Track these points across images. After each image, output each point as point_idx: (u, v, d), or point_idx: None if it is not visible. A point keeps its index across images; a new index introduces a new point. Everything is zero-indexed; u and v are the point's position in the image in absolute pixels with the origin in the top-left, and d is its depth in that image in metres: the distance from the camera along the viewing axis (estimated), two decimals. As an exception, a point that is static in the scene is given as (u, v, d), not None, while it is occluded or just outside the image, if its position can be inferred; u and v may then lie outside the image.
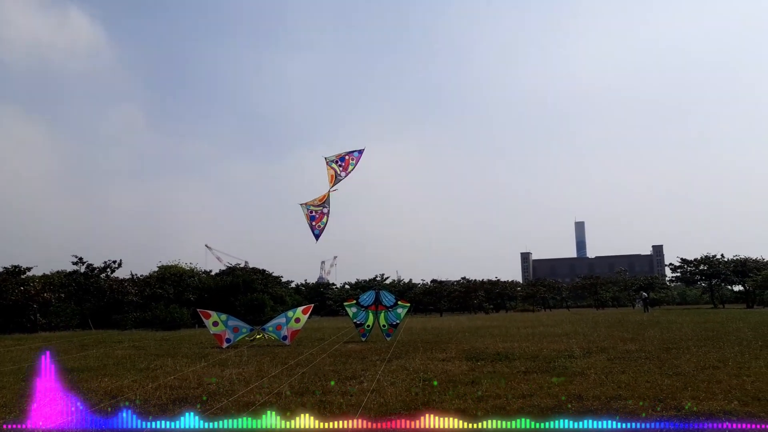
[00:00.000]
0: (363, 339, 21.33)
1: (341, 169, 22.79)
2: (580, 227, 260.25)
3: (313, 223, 22.29)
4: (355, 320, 21.97)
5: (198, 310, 22.23)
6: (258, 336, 21.07)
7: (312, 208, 22.67)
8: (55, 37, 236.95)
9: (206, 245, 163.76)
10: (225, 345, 20.06)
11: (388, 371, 12.27)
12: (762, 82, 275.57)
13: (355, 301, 22.48)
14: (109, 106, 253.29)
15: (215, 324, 20.68)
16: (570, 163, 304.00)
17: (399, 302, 22.29)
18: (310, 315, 22.17)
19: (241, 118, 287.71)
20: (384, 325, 21.45)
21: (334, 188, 22.78)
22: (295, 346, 19.76)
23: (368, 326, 21.65)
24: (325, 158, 22.98)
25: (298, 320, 21.26)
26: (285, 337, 20.77)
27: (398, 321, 21.78)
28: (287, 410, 8.30)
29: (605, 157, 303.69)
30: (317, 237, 22.47)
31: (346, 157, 22.93)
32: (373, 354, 16.18)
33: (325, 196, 22.90)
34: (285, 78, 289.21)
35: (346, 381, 11.06)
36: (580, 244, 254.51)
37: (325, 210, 22.46)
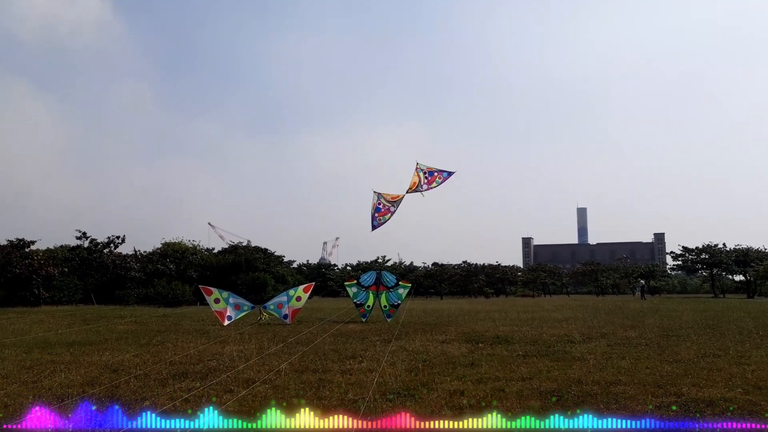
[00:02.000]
0: (363, 320, 21.36)
1: (426, 181, 23.06)
2: (582, 213, 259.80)
3: (376, 215, 22.54)
4: (355, 300, 21.99)
5: (200, 286, 22.27)
6: (265, 315, 21.12)
7: (383, 200, 23.00)
8: (64, 11, 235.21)
9: (209, 223, 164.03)
10: (226, 322, 20.11)
11: (388, 352, 12.29)
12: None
13: (355, 282, 22.50)
14: (117, 83, 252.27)
15: (217, 301, 20.73)
16: (573, 149, 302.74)
17: (400, 282, 22.30)
18: (311, 294, 22.22)
19: (249, 97, 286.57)
20: (385, 306, 21.47)
21: (412, 192, 22.98)
22: (295, 325, 19.82)
23: (369, 307, 21.68)
24: (418, 163, 23.18)
25: (299, 299, 21.31)
26: (286, 316, 20.82)
27: (399, 301, 21.80)
28: (286, 388, 8.33)
29: (608, 143, 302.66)
30: (374, 227, 22.74)
31: (435, 173, 23.14)
32: (373, 334, 16.22)
33: (399, 196, 23.15)
34: (295, 59, 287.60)
35: (346, 360, 11.08)
36: (582, 231, 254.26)
37: (392, 209, 22.71)
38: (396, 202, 23.11)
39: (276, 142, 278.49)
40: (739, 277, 72.84)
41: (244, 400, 7.50)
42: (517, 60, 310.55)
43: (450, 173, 22.97)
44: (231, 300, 20.91)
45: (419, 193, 23.44)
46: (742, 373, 9.32)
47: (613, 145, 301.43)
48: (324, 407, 7.03)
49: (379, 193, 23.55)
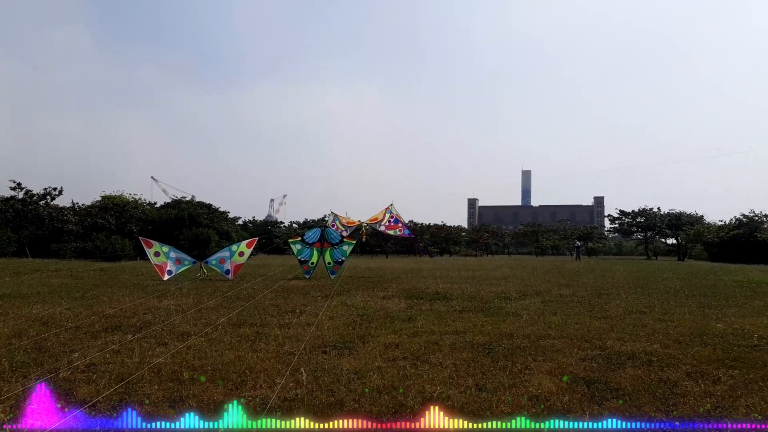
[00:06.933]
0: (307, 276, 21.36)
1: (387, 225, 25.08)
2: (526, 176, 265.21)
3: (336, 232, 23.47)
4: (299, 257, 21.92)
5: (140, 238, 21.70)
6: (204, 270, 20.82)
7: (338, 224, 24.79)
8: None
9: (152, 177, 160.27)
10: (166, 277, 19.73)
11: (328, 307, 12.37)
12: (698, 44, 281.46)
13: (300, 239, 22.39)
14: (55, 26, 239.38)
15: (157, 254, 20.27)
16: (520, 113, 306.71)
17: (344, 239, 22.33)
18: (256, 251, 21.99)
19: (197, 46, 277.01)
20: (329, 263, 21.51)
21: (369, 224, 25.31)
22: (237, 281, 19.67)
23: (312, 263, 21.66)
24: (391, 205, 25.25)
25: (242, 254, 21.09)
26: (228, 271, 20.62)
27: (344, 258, 21.86)
28: (221, 341, 8.30)
29: (555, 108, 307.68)
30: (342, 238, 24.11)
31: (400, 224, 25.33)
32: (315, 290, 16.26)
33: (355, 222, 25.09)
34: (245, 6, 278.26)
35: (285, 314, 11.10)
36: (526, 193, 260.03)
37: (344, 233, 23.79)
38: (351, 227, 24.88)
39: (223, 94, 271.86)
40: (671, 240, 76.17)
41: (177, 353, 7.43)
42: (467, 23, 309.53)
43: (412, 235, 25.09)
44: (172, 254, 20.51)
45: (375, 228, 25.57)
46: (664, 328, 9.79)
47: (561, 109, 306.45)
48: (259, 360, 7.05)
49: (336, 215, 25.41)
